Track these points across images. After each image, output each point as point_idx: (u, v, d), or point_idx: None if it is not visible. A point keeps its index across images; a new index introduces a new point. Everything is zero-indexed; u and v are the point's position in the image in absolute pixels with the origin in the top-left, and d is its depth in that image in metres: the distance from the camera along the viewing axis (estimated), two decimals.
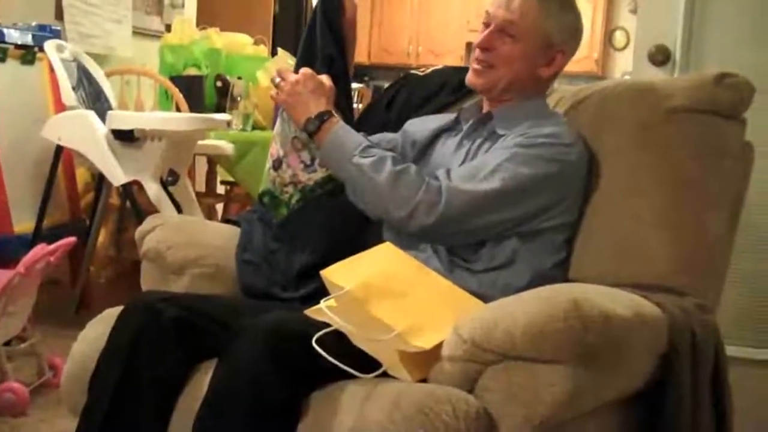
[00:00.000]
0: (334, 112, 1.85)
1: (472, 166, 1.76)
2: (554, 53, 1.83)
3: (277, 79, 1.89)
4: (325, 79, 1.89)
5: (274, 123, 2.14)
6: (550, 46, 1.82)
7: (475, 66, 1.85)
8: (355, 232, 1.87)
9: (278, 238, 1.97)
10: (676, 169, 1.71)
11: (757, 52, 2.60)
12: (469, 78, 1.87)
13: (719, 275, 1.71)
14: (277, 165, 1.99)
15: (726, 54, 2.65)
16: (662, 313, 1.50)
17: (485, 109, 1.90)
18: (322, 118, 1.82)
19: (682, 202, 1.69)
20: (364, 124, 2.13)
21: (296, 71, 1.92)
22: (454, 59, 9.36)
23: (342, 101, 2.00)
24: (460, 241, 1.74)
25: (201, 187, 4.55)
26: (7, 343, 2.70)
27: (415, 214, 1.69)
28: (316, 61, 2.06)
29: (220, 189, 4.81)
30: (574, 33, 1.87)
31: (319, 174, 1.94)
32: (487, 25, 1.83)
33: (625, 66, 8.86)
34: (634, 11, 8.57)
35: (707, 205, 1.69)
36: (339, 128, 1.82)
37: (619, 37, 9.56)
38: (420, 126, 2.00)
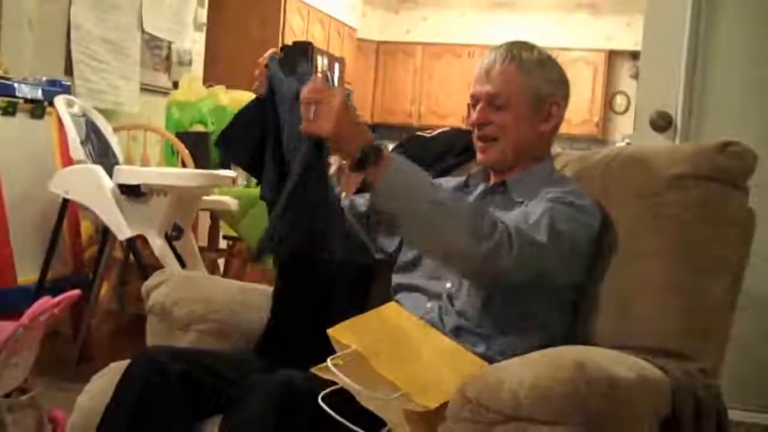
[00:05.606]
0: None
1: (519, 214, 1.70)
2: (548, 106, 1.85)
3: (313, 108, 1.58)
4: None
5: None
6: (542, 100, 1.84)
7: (480, 144, 1.86)
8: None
9: None
10: (682, 233, 1.73)
11: (759, 119, 2.64)
12: (479, 158, 1.88)
13: (722, 339, 1.71)
14: None
15: (727, 120, 2.68)
16: (665, 377, 1.51)
17: (495, 178, 1.89)
18: (378, 146, 1.57)
19: (687, 267, 1.71)
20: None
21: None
22: (456, 120, 9.46)
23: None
24: (515, 285, 1.66)
25: (204, 241, 4.56)
26: (8, 395, 2.69)
27: (499, 251, 1.56)
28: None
29: (223, 244, 4.82)
30: (559, 82, 1.88)
31: None
32: (475, 103, 1.85)
33: (626, 129, 8.95)
34: (634, 76, 8.68)
35: (711, 270, 1.70)
36: (398, 156, 1.62)
37: (619, 101, 9.68)
38: None
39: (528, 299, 1.72)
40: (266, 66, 1.81)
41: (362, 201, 1.99)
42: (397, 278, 1.89)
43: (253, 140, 1.85)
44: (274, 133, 1.81)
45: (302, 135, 1.64)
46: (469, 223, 1.57)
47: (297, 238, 1.72)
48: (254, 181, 4.23)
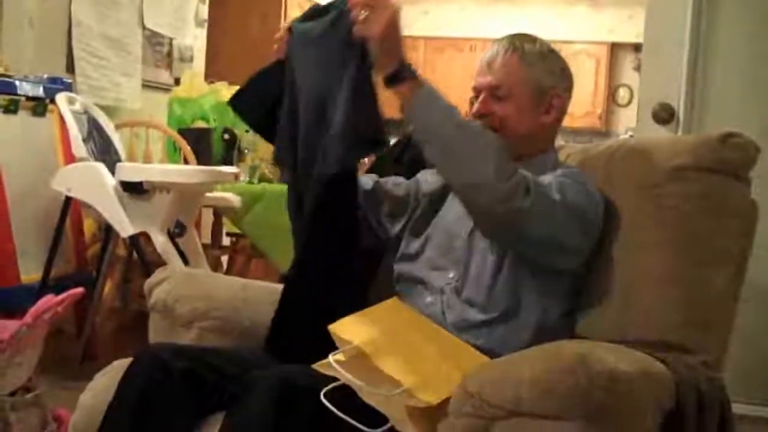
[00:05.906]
0: None
1: None
2: (549, 98, 1.85)
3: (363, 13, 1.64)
4: None
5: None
6: (543, 92, 1.84)
7: None
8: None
9: None
10: (684, 225, 1.73)
11: (761, 110, 2.64)
12: None
13: (724, 331, 1.71)
14: None
15: (729, 112, 2.68)
16: (667, 370, 1.51)
17: None
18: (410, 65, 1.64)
19: (688, 258, 1.70)
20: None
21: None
22: None
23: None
24: (526, 245, 1.68)
25: (207, 238, 4.56)
26: (12, 394, 2.69)
27: (518, 190, 1.58)
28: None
29: (226, 241, 4.82)
30: (561, 74, 1.88)
31: None
32: (477, 95, 1.86)
33: (629, 122, 8.93)
34: (637, 69, 8.67)
35: (712, 261, 1.70)
36: (427, 82, 1.67)
37: (622, 94, 9.66)
38: (433, 178, 1.99)
39: (532, 282, 1.72)
40: (288, 30, 1.80)
41: (367, 179, 1.99)
42: (398, 268, 1.89)
43: (266, 103, 1.85)
44: (290, 98, 1.80)
45: (353, 40, 1.66)
46: (495, 155, 1.61)
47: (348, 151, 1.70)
48: (257, 177, 4.26)
